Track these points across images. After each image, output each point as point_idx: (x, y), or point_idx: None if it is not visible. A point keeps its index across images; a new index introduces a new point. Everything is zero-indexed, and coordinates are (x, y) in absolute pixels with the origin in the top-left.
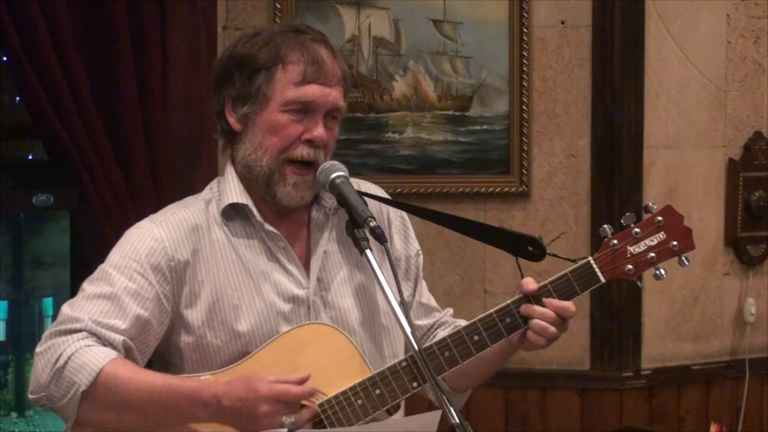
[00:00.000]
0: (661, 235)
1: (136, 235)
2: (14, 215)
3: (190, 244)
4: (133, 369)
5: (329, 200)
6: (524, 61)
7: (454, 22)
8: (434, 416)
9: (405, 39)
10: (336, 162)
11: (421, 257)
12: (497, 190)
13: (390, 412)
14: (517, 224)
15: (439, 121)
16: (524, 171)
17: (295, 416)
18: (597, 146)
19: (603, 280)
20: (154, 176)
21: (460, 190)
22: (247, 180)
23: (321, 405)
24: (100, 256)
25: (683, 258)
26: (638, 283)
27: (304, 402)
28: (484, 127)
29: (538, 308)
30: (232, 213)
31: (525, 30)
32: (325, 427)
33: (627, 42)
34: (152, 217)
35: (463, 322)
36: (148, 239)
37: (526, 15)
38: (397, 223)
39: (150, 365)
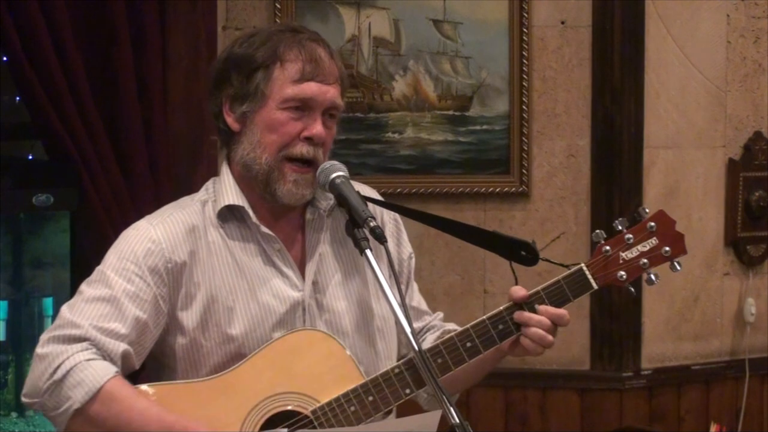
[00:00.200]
0: (654, 241)
1: (134, 237)
2: (14, 215)
3: (187, 246)
4: (129, 394)
5: (324, 201)
6: (524, 61)
7: (454, 22)
8: (434, 416)
9: (405, 39)
10: (336, 162)
11: (414, 260)
12: (497, 190)
13: (382, 418)
14: (517, 224)
15: (439, 121)
16: (524, 171)
17: None
18: (597, 146)
19: (595, 286)
20: (154, 176)
21: (460, 190)
22: (245, 180)
23: (314, 412)
24: (100, 256)
25: (675, 263)
26: (631, 288)
27: (297, 409)
28: (484, 127)
29: (534, 316)
30: (228, 215)
31: (525, 30)
32: None
33: (627, 42)
34: (149, 217)
35: (452, 326)
36: (146, 241)
37: (526, 15)
38: (391, 225)
39: (143, 366)
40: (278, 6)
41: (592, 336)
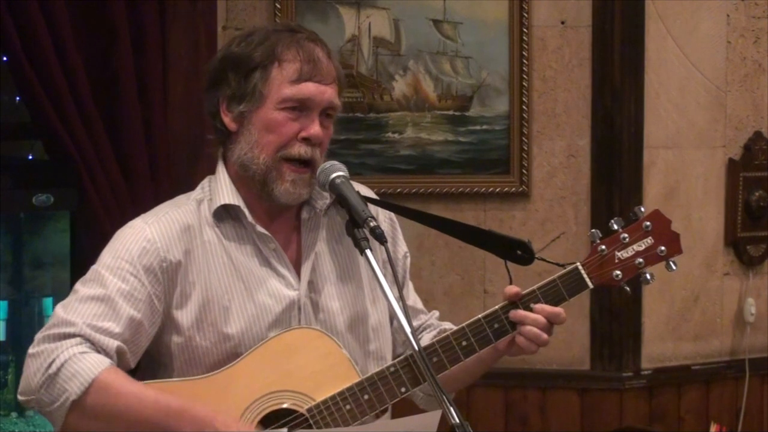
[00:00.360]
0: (649, 240)
1: (129, 236)
2: (14, 215)
3: (182, 245)
4: (125, 381)
5: (320, 201)
6: (524, 61)
7: (454, 22)
8: (434, 416)
9: (405, 39)
10: (336, 162)
11: (408, 259)
12: (497, 190)
13: (377, 416)
14: (517, 224)
15: (439, 121)
16: (524, 171)
17: None
18: (597, 146)
19: (591, 285)
20: (154, 176)
21: (460, 190)
22: (241, 179)
23: (309, 410)
24: None
25: (670, 262)
26: (626, 287)
27: (293, 407)
28: (484, 127)
29: (530, 315)
30: (224, 214)
31: (525, 30)
32: None
33: (627, 42)
34: (144, 216)
35: (448, 325)
36: (141, 240)
37: (526, 15)
38: (386, 225)
39: (138, 364)
40: (278, 6)
41: (592, 336)
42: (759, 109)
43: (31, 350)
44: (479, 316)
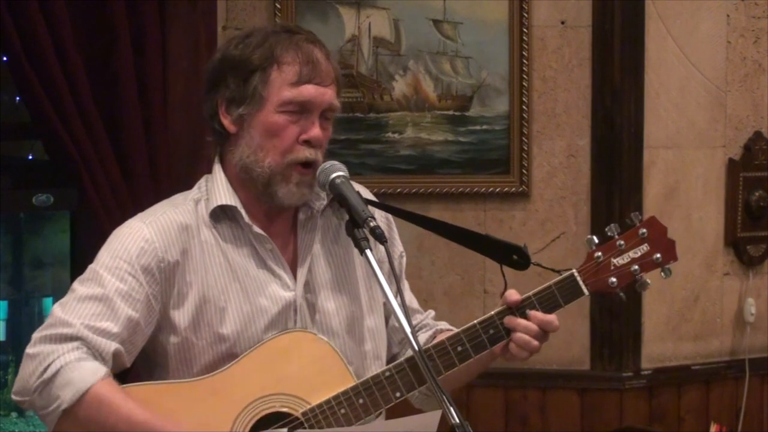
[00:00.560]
0: (645, 247)
1: (127, 235)
2: (14, 215)
3: (180, 245)
4: (118, 396)
5: (317, 202)
6: (524, 61)
7: (454, 22)
8: (434, 416)
9: (405, 39)
10: (336, 162)
11: (404, 259)
12: (497, 190)
13: None
14: (517, 224)
15: (439, 121)
16: (524, 171)
17: None
18: (597, 146)
19: (586, 292)
20: (154, 176)
21: (460, 190)
22: (241, 180)
23: (304, 414)
24: None
25: (666, 269)
26: (621, 294)
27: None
28: (484, 127)
29: (521, 321)
30: (221, 214)
31: (525, 30)
32: None
33: (627, 42)
34: (141, 216)
35: (444, 324)
36: (139, 239)
37: (526, 15)
38: (382, 224)
39: (134, 363)
40: (278, 6)
41: (592, 336)
42: (759, 109)
43: (28, 350)
44: (475, 321)
